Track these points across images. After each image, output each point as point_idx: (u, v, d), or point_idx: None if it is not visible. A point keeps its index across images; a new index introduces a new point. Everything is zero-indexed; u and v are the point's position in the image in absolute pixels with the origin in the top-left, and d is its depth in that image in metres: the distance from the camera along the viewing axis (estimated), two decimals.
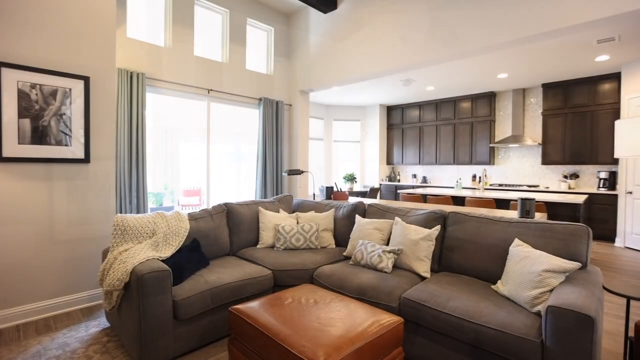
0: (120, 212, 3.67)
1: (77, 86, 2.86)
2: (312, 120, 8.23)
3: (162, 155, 4.65)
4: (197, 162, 5.00)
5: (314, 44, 5.56)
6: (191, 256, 2.55)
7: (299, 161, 5.87)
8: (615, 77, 5.54)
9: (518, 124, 6.59)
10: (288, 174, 3.92)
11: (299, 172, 3.92)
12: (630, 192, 5.12)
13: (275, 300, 2.02)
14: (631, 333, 2.59)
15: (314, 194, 4.29)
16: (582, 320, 1.50)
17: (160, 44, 4.40)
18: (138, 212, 3.79)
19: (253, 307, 1.94)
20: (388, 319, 1.81)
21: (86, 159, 2.93)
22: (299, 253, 2.90)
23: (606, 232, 5.52)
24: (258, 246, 3.16)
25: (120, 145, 3.70)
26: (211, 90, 4.89)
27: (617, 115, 5.56)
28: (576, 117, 5.89)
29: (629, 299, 1.85)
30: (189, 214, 2.94)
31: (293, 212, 3.60)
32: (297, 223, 3.25)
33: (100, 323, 2.59)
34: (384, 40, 4.54)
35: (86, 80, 2.90)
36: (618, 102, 5.52)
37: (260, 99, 5.49)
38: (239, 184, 5.55)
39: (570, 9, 3.07)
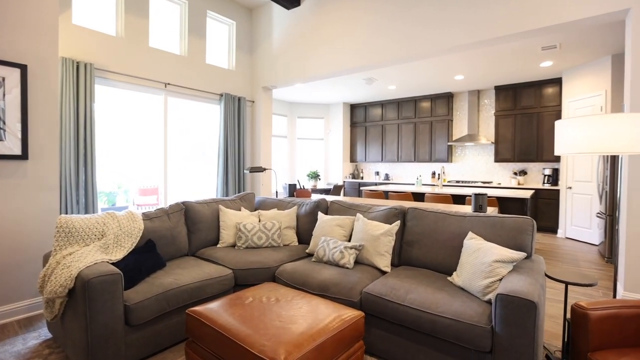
0: (66, 213, 3.40)
1: (12, 75, 2.60)
2: (275, 117, 8.14)
3: (115, 152, 4.37)
4: (154, 159, 4.76)
5: (277, 40, 5.49)
6: (146, 258, 2.42)
7: (261, 158, 5.78)
8: (558, 82, 6.00)
9: (473, 124, 6.95)
10: (250, 172, 3.84)
11: (261, 170, 3.85)
12: (570, 187, 5.57)
13: (235, 300, 1.97)
14: (569, 315, 2.82)
15: (276, 192, 4.25)
16: (526, 305, 1.61)
17: (112, 33, 4.12)
18: (87, 212, 3.54)
19: (211, 308, 1.88)
20: (349, 314, 1.83)
21: (24, 156, 2.68)
22: (261, 251, 2.85)
23: (550, 224, 5.98)
24: (218, 245, 3.06)
25: (66, 141, 3.42)
26: (168, 84, 4.67)
27: (559, 117, 6.02)
28: (524, 118, 6.31)
29: (567, 284, 2.00)
30: (143, 213, 2.78)
31: (255, 210, 3.54)
32: (259, 221, 3.19)
33: (41, 334, 2.39)
34: (346, 39, 4.58)
35: (23, 68, 2.65)
36: (560, 105, 5.98)
37: (221, 95, 5.34)
38: (199, 182, 5.36)
39: (518, 17, 3.28)
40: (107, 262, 2.16)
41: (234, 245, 3.07)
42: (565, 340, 2.05)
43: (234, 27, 5.62)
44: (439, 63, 5.35)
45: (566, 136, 1.96)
